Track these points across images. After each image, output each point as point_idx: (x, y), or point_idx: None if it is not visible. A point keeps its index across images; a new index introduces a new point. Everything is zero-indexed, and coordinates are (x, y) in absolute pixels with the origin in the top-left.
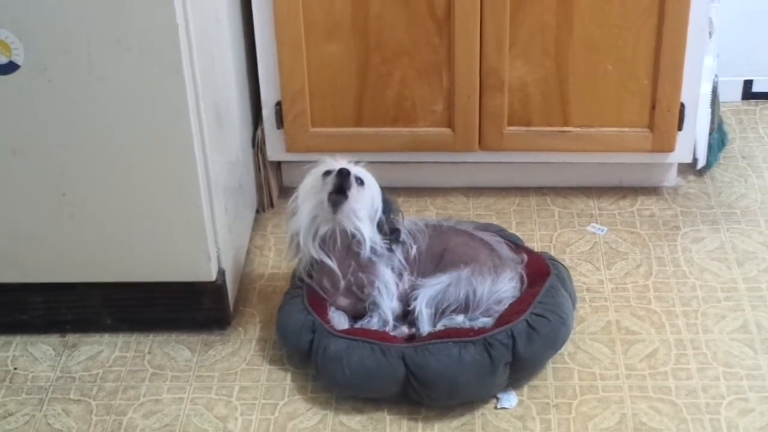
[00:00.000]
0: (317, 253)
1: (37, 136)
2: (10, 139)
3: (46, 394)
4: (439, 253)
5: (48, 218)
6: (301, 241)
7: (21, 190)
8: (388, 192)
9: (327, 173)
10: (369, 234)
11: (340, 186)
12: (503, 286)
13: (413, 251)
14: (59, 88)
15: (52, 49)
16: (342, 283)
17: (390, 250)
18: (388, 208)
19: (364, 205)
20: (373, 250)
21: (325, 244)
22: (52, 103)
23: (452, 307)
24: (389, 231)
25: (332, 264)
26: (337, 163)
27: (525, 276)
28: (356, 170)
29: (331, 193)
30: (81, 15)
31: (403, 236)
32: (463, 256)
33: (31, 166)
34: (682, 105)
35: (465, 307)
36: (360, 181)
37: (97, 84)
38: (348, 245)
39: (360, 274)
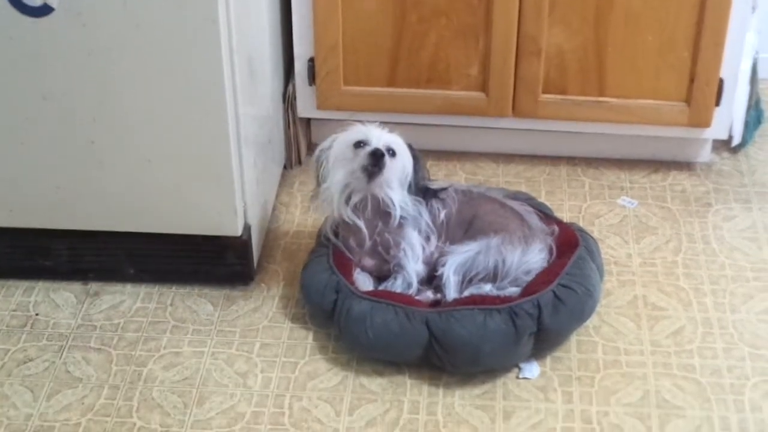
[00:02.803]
0: (350, 217)
1: (69, 81)
2: (40, 84)
3: (67, 341)
4: (468, 220)
5: (75, 165)
6: (334, 206)
7: (50, 136)
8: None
9: (358, 144)
10: (399, 199)
11: (374, 164)
12: (533, 257)
13: (441, 216)
14: (93, 33)
15: None
16: (368, 243)
17: (421, 207)
18: (417, 166)
19: (396, 173)
20: (403, 210)
21: (356, 207)
22: (85, 48)
23: (480, 276)
24: (422, 192)
25: (360, 224)
26: (368, 130)
27: (554, 247)
28: (387, 140)
29: (365, 166)
30: None
31: (437, 191)
32: (493, 225)
33: (61, 112)
34: (721, 80)
35: (493, 276)
36: (392, 152)
37: (131, 31)
38: (378, 207)
39: (386, 235)
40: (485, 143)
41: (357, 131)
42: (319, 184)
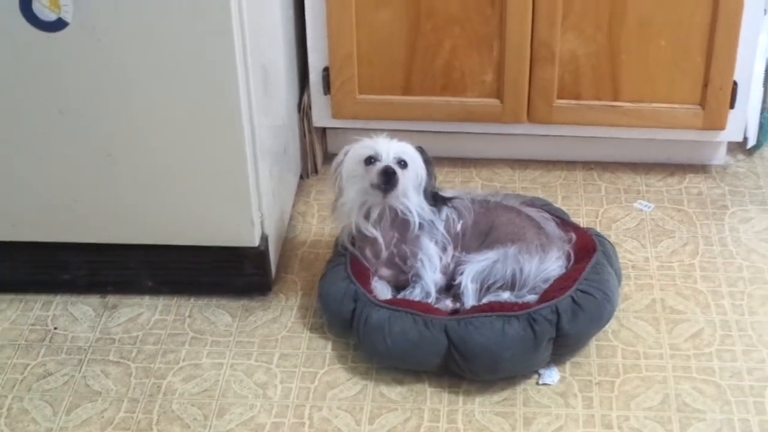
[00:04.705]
0: (369, 231)
1: (85, 96)
2: (57, 99)
3: (86, 355)
4: (485, 231)
5: (93, 179)
6: (353, 221)
7: (67, 150)
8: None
9: (369, 160)
10: (416, 205)
11: (387, 182)
12: (550, 265)
13: (458, 226)
14: (108, 47)
15: (102, 8)
16: (384, 254)
17: (434, 217)
18: (429, 169)
19: (411, 182)
20: (421, 217)
21: (375, 221)
22: (101, 62)
23: (498, 284)
24: (432, 197)
25: (377, 234)
26: (377, 144)
27: (572, 254)
28: (397, 151)
29: (378, 185)
30: None
31: (446, 199)
32: (510, 235)
33: (78, 126)
34: (735, 83)
35: (511, 285)
36: (403, 164)
37: (146, 45)
38: (395, 218)
39: (403, 246)
40: (501, 149)
41: (365, 146)
42: (337, 198)
